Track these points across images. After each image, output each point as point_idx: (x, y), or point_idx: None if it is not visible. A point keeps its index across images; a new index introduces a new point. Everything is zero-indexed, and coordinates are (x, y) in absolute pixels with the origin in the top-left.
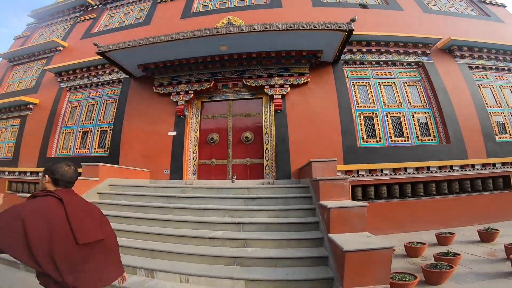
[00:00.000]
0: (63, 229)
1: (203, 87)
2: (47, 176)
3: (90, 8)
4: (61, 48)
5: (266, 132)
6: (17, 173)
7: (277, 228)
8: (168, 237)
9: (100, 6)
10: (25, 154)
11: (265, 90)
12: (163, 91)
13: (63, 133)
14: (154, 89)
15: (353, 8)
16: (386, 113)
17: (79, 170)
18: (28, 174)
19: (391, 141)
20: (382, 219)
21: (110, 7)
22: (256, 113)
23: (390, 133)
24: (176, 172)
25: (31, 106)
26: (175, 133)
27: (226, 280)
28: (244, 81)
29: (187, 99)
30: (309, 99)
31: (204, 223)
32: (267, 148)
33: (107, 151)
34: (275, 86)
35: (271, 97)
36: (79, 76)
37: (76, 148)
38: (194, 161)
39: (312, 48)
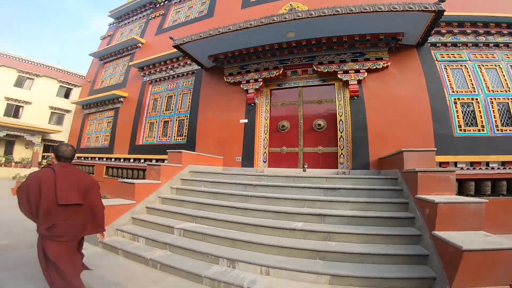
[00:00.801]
0: (49, 191)
1: (272, 75)
2: (52, 153)
3: (158, 5)
4: (140, 44)
5: (341, 119)
6: (113, 159)
7: (362, 222)
8: (247, 227)
9: (166, 2)
10: (119, 142)
11: (338, 75)
12: (233, 80)
13: (148, 122)
14: (225, 79)
15: None
16: (491, 99)
17: (165, 156)
18: (121, 160)
19: (497, 130)
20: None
21: (174, 3)
22: (328, 100)
23: (496, 121)
24: (248, 159)
25: (121, 99)
26: (246, 121)
27: (309, 275)
28: (315, 67)
29: (256, 87)
30: (390, 84)
31: (283, 213)
32: (341, 136)
33: (184, 138)
34: (350, 72)
35: (345, 83)
36: (158, 70)
37: (159, 136)
38: (265, 148)
39: (391, 30)
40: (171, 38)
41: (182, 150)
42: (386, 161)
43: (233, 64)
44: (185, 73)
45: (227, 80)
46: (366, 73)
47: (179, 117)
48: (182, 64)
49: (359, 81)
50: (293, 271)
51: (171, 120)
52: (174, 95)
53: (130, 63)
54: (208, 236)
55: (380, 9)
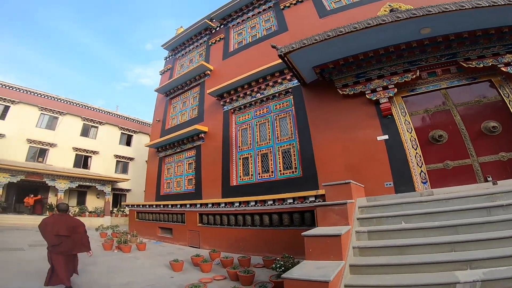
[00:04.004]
0: (50, 228)
1: (407, 78)
2: (55, 208)
3: (214, 31)
4: (209, 72)
5: None
6: (198, 205)
7: None
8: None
9: (221, 27)
10: (207, 185)
11: (503, 69)
12: (352, 92)
13: (240, 159)
14: (340, 91)
15: None
16: None
17: (273, 196)
18: (209, 205)
19: None
20: None
21: (232, 25)
22: (491, 98)
23: None
24: (403, 183)
25: (202, 135)
26: (386, 137)
27: None
28: (464, 64)
29: (390, 94)
30: None
31: None
32: None
33: (295, 171)
34: None
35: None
36: (241, 95)
37: (259, 173)
38: (420, 167)
39: None
40: (273, 47)
41: (350, 181)
42: None
43: (346, 74)
44: (276, 94)
45: (343, 92)
46: None
47: (281, 146)
48: (271, 84)
49: None
50: None
51: (270, 152)
52: (267, 121)
53: (208, 91)
54: None
55: None
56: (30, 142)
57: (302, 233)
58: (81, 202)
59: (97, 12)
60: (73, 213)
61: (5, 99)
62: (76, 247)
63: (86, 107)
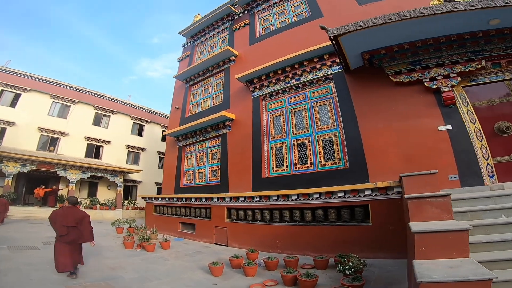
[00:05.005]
0: (60, 219)
1: (471, 68)
2: (66, 201)
3: (237, 17)
4: (234, 57)
5: None
6: (227, 199)
7: None
8: None
9: (245, 12)
10: (235, 177)
11: None
12: (407, 79)
13: (272, 148)
14: (393, 79)
15: None
16: None
17: (310, 190)
18: (241, 199)
19: None
20: None
21: (257, 11)
22: None
23: None
24: (471, 176)
25: (228, 122)
26: (449, 127)
27: None
28: None
29: (454, 83)
30: None
31: None
32: None
33: (339, 162)
34: None
35: None
36: (274, 81)
37: (295, 164)
38: (486, 159)
39: None
40: (323, 28)
41: (436, 171)
42: None
43: (399, 61)
44: (314, 81)
45: (397, 79)
46: None
47: (321, 135)
48: (308, 70)
49: None
50: None
51: (309, 141)
52: (304, 108)
53: (237, 76)
54: None
55: None
56: (42, 131)
57: (412, 230)
58: (93, 193)
59: (103, 6)
60: (84, 205)
61: (16, 86)
62: (82, 237)
63: (99, 96)
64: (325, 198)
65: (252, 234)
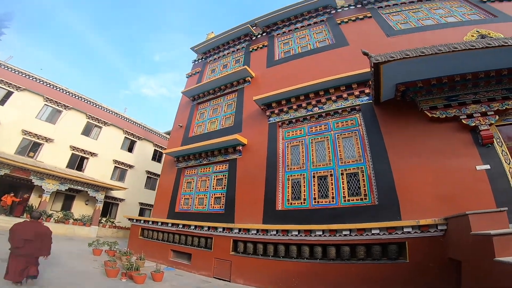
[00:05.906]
0: (19, 232)
1: (508, 106)
2: (29, 215)
3: (255, 38)
4: (249, 78)
5: None
6: (236, 230)
7: None
8: None
9: (264, 34)
10: (243, 207)
11: None
12: (444, 115)
13: (289, 180)
14: (428, 114)
15: None
16: None
17: (332, 226)
18: (253, 232)
19: None
20: None
21: (277, 34)
22: None
23: None
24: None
25: (239, 147)
26: (488, 166)
27: None
28: None
29: (492, 121)
30: None
31: None
32: None
33: (366, 198)
34: None
35: None
36: (294, 107)
37: (314, 198)
38: None
39: None
40: (365, 54)
41: (505, 208)
42: None
43: (435, 95)
44: (339, 110)
45: (432, 114)
46: None
47: (345, 170)
48: (333, 98)
49: None
50: None
51: (331, 175)
52: (326, 140)
53: (254, 98)
54: None
55: None
56: (25, 134)
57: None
58: (67, 207)
59: (112, 19)
60: (56, 218)
61: (10, 84)
62: (40, 251)
63: (94, 104)
64: (355, 235)
65: (262, 270)
